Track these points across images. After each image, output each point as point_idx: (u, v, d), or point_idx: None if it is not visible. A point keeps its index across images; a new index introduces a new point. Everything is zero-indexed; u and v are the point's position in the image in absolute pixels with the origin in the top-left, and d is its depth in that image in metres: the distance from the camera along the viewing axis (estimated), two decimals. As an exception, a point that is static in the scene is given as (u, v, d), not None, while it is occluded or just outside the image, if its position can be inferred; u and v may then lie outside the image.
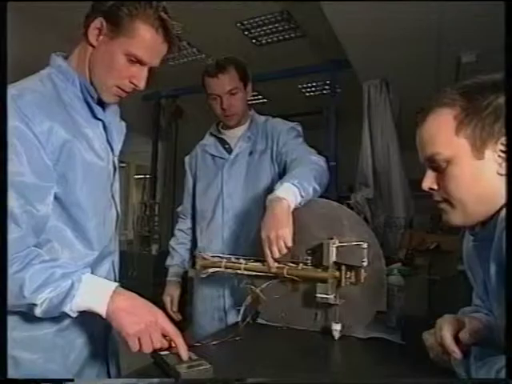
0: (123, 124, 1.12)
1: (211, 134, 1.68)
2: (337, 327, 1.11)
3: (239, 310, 1.22)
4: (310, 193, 1.22)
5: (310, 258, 1.19)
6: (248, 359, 0.99)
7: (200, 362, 0.82)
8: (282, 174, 1.46)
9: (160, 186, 4.80)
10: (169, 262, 1.73)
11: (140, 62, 0.93)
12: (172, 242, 1.77)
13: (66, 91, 0.94)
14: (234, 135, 1.61)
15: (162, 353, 0.87)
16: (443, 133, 0.76)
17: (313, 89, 5.29)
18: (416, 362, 0.92)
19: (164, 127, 4.92)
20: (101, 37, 0.92)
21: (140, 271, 3.60)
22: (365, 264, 1.09)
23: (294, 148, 1.48)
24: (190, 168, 1.71)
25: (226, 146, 1.61)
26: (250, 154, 1.57)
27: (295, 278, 1.16)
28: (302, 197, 1.18)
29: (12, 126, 0.79)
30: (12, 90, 0.83)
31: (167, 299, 1.64)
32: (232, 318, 1.49)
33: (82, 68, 0.96)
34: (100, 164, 0.98)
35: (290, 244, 1.11)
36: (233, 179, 1.56)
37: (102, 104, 1.00)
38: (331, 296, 1.12)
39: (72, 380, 0.42)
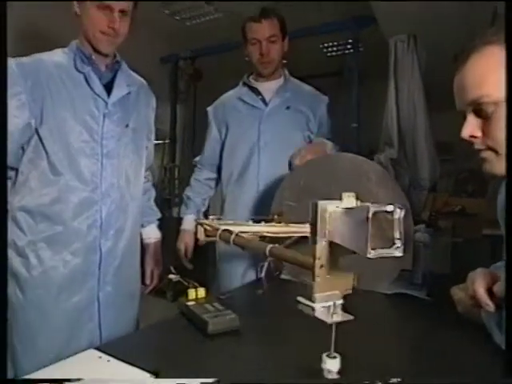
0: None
1: (244, 84, 1.69)
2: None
3: (263, 266, 1.22)
4: None
5: (334, 214, 1.16)
6: (272, 311, 1.00)
7: (226, 311, 0.83)
8: (310, 138, 1.61)
9: (179, 149, 4.80)
10: (183, 211, 1.75)
11: (109, 8, 1.11)
12: (187, 192, 1.77)
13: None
14: (268, 88, 1.63)
15: (189, 303, 0.88)
16: (492, 73, 0.70)
17: (334, 48, 5.08)
18: (442, 317, 0.91)
19: (182, 90, 4.85)
20: (77, 4, 1.15)
21: (162, 233, 3.66)
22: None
23: (324, 123, 1.65)
24: (216, 118, 1.71)
25: (260, 97, 1.63)
26: (287, 108, 1.60)
27: None
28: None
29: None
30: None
31: (181, 247, 1.66)
32: (256, 274, 1.50)
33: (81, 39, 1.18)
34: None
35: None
36: (269, 131, 1.58)
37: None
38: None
39: (69, 380, 0.42)
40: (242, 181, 1.61)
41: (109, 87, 1.19)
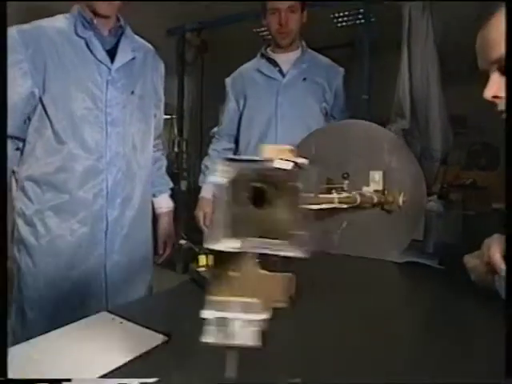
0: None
1: (262, 56, 1.71)
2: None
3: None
4: None
5: (345, 182, 1.15)
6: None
7: (237, 276, 0.82)
8: (327, 110, 1.65)
9: (187, 122, 4.77)
10: (201, 179, 1.80)
11: None
12: (206, 161, 1.82)
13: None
14: (285, 59, 1.65)
15: (200, 269, 0.88)
16: None
17: (345, 18, 4.93)
18: (455, 285, 0.91)
19: (189, 62, 4.78)
20: None
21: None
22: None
23: (340, 95, 1.68)
24: (234, 89, 1.75)
25: (277, 69, 1.65)
26: (304, 79, 1.63)
27: (345, 205, 1.07)
28: None
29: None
30: None
31: (200, 214, 1.71)
32: None
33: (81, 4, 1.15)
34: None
35: None
36: (286, 102, 1.62)
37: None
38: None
39: (69, 380, 0.42)
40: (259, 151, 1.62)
41: (113, 53, 1.16)
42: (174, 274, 3.53)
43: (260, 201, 0.33)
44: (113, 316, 0.70)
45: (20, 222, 1.12)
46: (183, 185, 4.04)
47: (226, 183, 0.32)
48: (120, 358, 0.55)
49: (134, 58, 1.20)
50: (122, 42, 1.18)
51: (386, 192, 1.11)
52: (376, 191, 1.11)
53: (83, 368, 0.52)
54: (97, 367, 0.52)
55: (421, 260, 1.09)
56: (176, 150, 4.15)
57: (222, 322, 0.38)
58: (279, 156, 0.35)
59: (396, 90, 2.34)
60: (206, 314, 0.38)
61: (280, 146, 0.36)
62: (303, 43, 1.70)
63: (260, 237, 0.34)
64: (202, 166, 1.82)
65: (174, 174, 3.93)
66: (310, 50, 1.71)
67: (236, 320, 0.38)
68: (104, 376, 0.51)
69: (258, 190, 0.33)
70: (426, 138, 2.17)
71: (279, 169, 0.33)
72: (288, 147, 0.36)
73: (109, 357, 0.55)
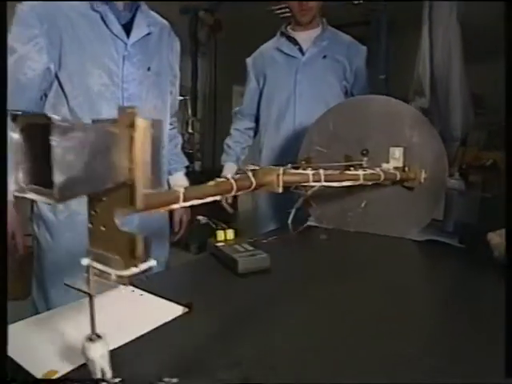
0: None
1: (282, 34, 1.70)
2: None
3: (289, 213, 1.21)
4: None
5: (364, 159, 1.13)
6: (300, 256, 0.99)
7: (256, 251, 0.82)
8: (347, 88, 1.65)
9: (201, 103, 4.74)
10: (224, 158, 1.80)
11: None
12: (228, 141, 1.81)
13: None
14: (305, 37, 1.64)
15: (219, 244, 0.88)
16: None
17: (362, -5, 4.79)
18: (474, 264, 0.89)
19: (203, 42, 4.72)
20: None
21: (185, 186, 3.70)
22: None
23: (361, 74, 1.66)
24: (254, 68, 1.75)
25: (297, 47, 1.65)
26: (324, 57, 1.61)
27: (370, 182, 1.03)
28: None
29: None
30: None
31: None
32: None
33: None
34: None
35: None
36: (305, 80, 1.62)
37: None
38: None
39: (71, 380, 0.42)
40: (278, 129, 1.66)
41: (128, 28, 1.14)
42: (188, 255, 3.56)
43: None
44: (133, 288, 0.70)
45: None
46: (197, 165, 4.04)
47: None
48: (141, 329, 0.55)
49: (149, 34, 1.18)
50: (138, 17, 1.15)
51: (406, 169, 1.09)
52: (396, 168, 1.09)
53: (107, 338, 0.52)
54: (118, 338, 0.52)
55: (441, 238, 1.07)
56: (190, 130, 4.13)
57: (87, 270, 0.40)
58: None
59: (415, 68, 2.27)
60: (83, 261, 0.40)
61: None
62: (324, 21, 1.68)
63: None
64: (224, 146, 1.82)
65: (188, 154, 3.93)
66: (330, 28, 1.68)
67: (95, 270, 0.40)
68: (123, 347, 0.51)
69: None
70: (446, 117, 2.10)
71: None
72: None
73: (131, 327, 0.56)
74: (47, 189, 0.32)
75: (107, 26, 1.09)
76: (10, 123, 0.35)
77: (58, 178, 0.31)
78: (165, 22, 1.29)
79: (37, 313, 0.65)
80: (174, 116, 1.40)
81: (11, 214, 1.04)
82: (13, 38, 1.03)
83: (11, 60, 1.03)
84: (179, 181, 1.41)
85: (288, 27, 1.69)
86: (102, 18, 1.09)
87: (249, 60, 1.78)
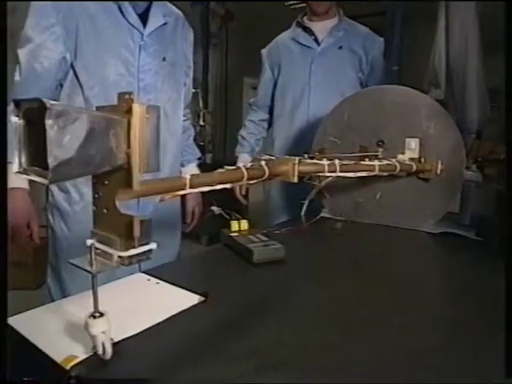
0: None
1: (298, 25, 1.69)
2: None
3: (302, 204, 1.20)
4: None
5: (380, 150, 1.11)
6: (314, 247, 0.99)
7: (271, 242, 0.82)
8: (361, 80, 1.63)
9: (212, 95, 4.73)
10: (238, 150, 1.80)
11: None
12: (242, 132, 1.81)
13: None
14: (321, 27, 1.63)
15: (233, 234, 0.87)
16: None
17: (376, -14, 4.71)
18: (490, 257, 0.88)
19: (214, 33, 4.70)
20: None
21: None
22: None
23: (378, 65, 1.64)
24: (270, 59, 1.75)
25: (313, 37, 1.64)
26: (340, 48, 1.60)
27: (385, 173, 1.03)
28: None
29: None
30: None
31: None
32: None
33: None
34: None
35: None
36: (320, 70, 1.61)
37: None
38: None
39: (71, 380, 0.42)
40: (292, 120, 1.65)
41: (144, 18, 1.13)
42: (199, 246, 3.58)
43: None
44: (148, 277, 0.71)
45: (55, 188, 1.14)
46: (208, 157, 4.04)
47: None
48: (157, 317, 0.55)
49: (165, 24, 1.17)
50: (154, 7, 1.15)
51: (422, 160, 1.07)
52: (412, 159, 1.07)
53: (123, 326, 0.52)
54: (135, 325, 0.52)
55: (457, 231, 1.05)
56: (201, 122, 4.13)
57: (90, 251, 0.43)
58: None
59: (430, 59, 2.23)
60: (87, 241, 0.43)
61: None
62: (340, 11, 1.66)
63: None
64: (239, 137, 1.82)
65: (199, 146, 3.92)
66: (347, 19, 1.67)
67: (96, 250, 0.43)
68: (141, 333, 0.51)
69: None
70: (461, 108, 2.06)
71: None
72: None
73: (147, 315, 0.56)
74: (44, 170, 0.34)
75: (124, 15, 1.09)
76: (13, 109, 0.37)
77: (52, 158, 0.33)
78: (179, 12, 1.29)
79: (52, 301, 0.66)
80: (187, 107, 1.40)
81: (26, 203, 1.05)
82: (29, 28, 1.03)
83: (27, 49, 1.03)
84: (192, 172, 1.41)
85: (304, 18, 1.67)
86: (119, 6, 1.08)
87: (264, 51, 1.77)
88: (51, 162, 0.32)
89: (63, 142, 0.32)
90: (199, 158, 1.48)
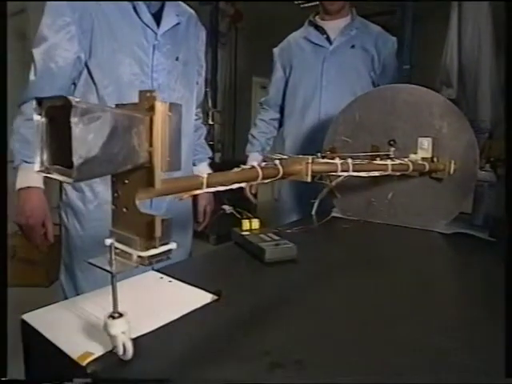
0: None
1: (310, 23, 1.69)
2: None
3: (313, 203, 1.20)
4: None
5: (392, 149, 1.10)
6: (326, 247, 0.98)
7: (283, 241, 0.81)
8: (373, 79, 1.62)
9: (221, 94, 4.74)
10: (249, 149, 1.80)
11: None
12: (253, 131, 1.81)
13: None
14: (334, 26, 1.63)
15: (244, 233, 0.87)
16: None
17: (386, -16, 4.67)
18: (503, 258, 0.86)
19: (223, 33, 4.70)
20: None
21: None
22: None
23: (390, 65, 1.62)
24: (281, 58, 1.75)
25: (325, 36, 1.63)
26: (352, 47, 1.60)
27: (398, 173, 1.02)
28: None
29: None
30: None
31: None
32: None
33: None
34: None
35: None
36: (332, 69, 1.61)
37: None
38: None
39: (71, 380, 0.42)
40: (303, 119, 1.65)
41: (157, 18, 1.13)
42: (208, 245, 3.59)
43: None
44: (161, 275, 0.71)
45: (68, 187, 1.15)
46: (217, 157, 4.05)
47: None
48: (170, 315, 0.55)
49: (178, 23, 1.18)
50: (167, 6, 1.15)
51: (435, 160, 1.06)
52: (424, 159, 1.06)
53: (137, 324, 0.52)
54: (148, 324, 0.53)
55: (470, 231, 1.04)
56: (210, 122, 4.13)
57: (109, 250, 0.42)
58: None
59: (442, 58, 2.20)
60: (106, 241, 0.42)
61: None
62: (354, 11, 1.66)
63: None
64: (249, 136, 1.82)
65: (208, 145, 3.93)
66: (360, 18, 1.66)
67: (115, 249, 0.42)
68: (155, 331, 0.51)
69: None
70: (474, 108, 2.04)
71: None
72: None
73: (160, 314, 0.56)
74: (68, 169, 0.33)
75: (138, 15, 1.09)
76: (35, 107, 0.37)
77: (77, 157, 0.32)
78: (192, 11, 1.29)
79: (66, 298, 0.66)
80: (198, 107, 1.40)
81: (42, 202, 1.06)
82: (44, 27, 1.04)
83: (42, 48, 1.04)
84: (203, 171, 1.40)
85: (316, 17, 1.67)
86: (134, 7, 1.09)
87: (276, 50, 1.77)
88: (76, 159, 0.32)
89: (87, 140, 0.32)
90: (211, 157, 1.48)
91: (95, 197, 1.13)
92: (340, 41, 1.60)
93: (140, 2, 1.09)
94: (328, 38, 1.62)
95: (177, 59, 1.17)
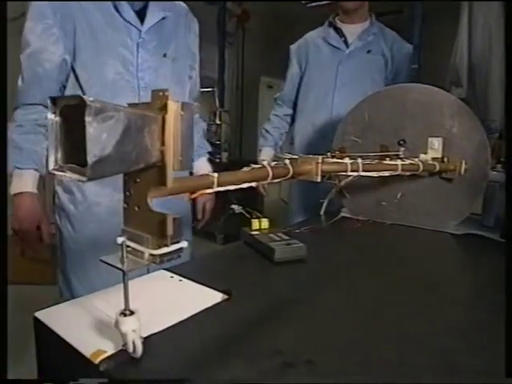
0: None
1: (330, 25, 1.71)
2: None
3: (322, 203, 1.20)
4: None
5: (401, 149, 1.10)
6: (335, 247, 0.98)
7: (292, 240, 0.81)
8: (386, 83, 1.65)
9: (228, 94, 4.75)
10: (261, 143, 1.82)
11: None
12: (266, 126, 1.83)
13: None
14: (352, 30, 1.66)
15: (253, 233, 0.87)
16: None
17: (395, -17, 4.65)
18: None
19: (230, 33, 4.71)
20: None
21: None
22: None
23: (403, 71, 1.66)
24: (298, 55, 1.77)
25: (343, 39, 1.66)
26: (368, 52, 1.63)
27: (408, 173, 1.01)
28: None
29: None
30: None
31: None
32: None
33: None
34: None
35: None
36: (347, 72, 1.63)
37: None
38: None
39: (76, 379, 0.42)
40: (314, 118, 1.67)
41: (142, 15, 1.10)
42: (215, 245, 3.60)
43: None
44: (171, 274, 0.71)
45: (59, 190, 1.14)
46: (224, 156, 4.05)
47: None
48: (181, 315, 0.55)
49: (164, 18, 1.14)
50: (151, 2, 1.11)
51: (445, 160, 1.05)
52: (435, 159, 1.06)
53: (148, 322, 0.53)
54: (158, 323, 0.53)
55: (481, 232, 1.03)
56: (217, 121, 4.14)
57: (121, 248, 0.42)
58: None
59: (452, 57, 2.18)
60: (118, 239, 0.42)
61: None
62: (372, 16, 1.68)
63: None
64: (262, 131, 1.84)
65: (215, 145, 3.95)
66: (378, 23, 1.69)
67: (127, 247, 0.42)
68: (166, 330, 0.51)
69: None
70: (484, 108, 2.02)
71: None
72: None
73: (170, 313, 0.56)
74: (82, 167, 0.34)
75: (120, 13, 1.07)
76: (50, 105, 0.37)
77: (91, 155, 0.33)
78: (182, 4, 1.25)
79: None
80: (195, 101, 1.36)
81: (34, 207, 1.04)
82: (28, 31, 1.03)
83: (27, 53, 1.03)
84: (202, 167, 1.38)
85: (336, 18, 1.69)
86: (115, 5, 1.06)
87: (292, 46, 1.80)
88: (90, 158, 0.32)
89: (101, 139, 0.32)
90: (210, 153, 1.45)
91: (85, 199, 1.12)
92: (357, 45, 1.62)
93: (122, 1, 1.07)
94: (345, 41, 1.64)
95: (164, 56, 1.14)
